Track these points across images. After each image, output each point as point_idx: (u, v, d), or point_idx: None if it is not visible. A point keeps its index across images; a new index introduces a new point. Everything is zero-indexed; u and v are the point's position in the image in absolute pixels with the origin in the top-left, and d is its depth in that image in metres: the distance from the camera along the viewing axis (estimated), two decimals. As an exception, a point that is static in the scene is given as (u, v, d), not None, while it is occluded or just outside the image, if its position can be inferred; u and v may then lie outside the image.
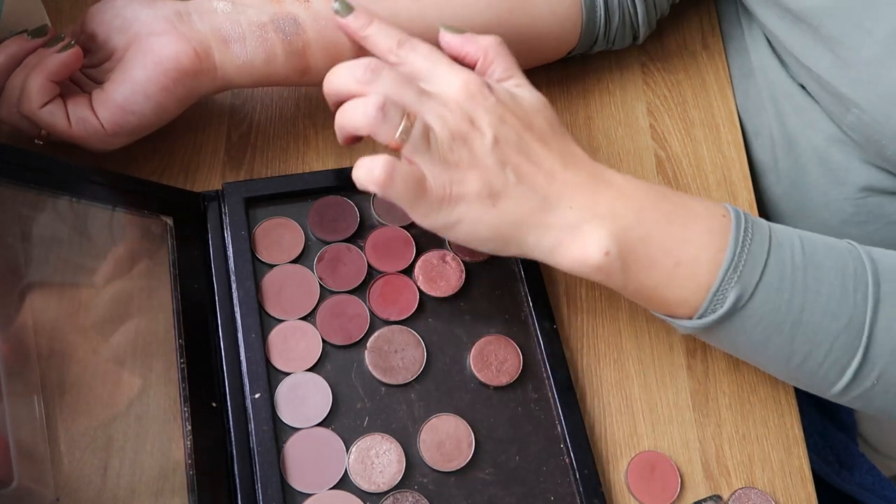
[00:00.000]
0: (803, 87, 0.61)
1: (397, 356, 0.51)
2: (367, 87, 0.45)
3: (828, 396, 0.47)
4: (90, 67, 0.53)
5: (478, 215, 0.45)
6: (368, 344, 0.51)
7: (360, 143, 0.59)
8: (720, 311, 0.45)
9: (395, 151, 0.44)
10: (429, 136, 0.44)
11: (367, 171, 0.43)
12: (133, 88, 0.50)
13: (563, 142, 0.47)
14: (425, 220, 0.45)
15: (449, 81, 0.45)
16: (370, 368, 0.51)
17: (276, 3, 0.52)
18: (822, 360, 0.45)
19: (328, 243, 0.55)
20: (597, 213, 0.45)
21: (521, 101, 0.47)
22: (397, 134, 0.44)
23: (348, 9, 0.49)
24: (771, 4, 0.59)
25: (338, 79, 0.46)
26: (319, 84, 0.56)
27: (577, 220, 0.45)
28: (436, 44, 0.55)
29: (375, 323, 0.53)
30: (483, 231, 0.45)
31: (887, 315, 0.45)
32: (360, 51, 0.54)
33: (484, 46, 0.49)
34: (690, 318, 0.46)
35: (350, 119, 0.45)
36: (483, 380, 0.52)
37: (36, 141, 0.52)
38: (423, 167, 0.44)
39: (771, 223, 0.47)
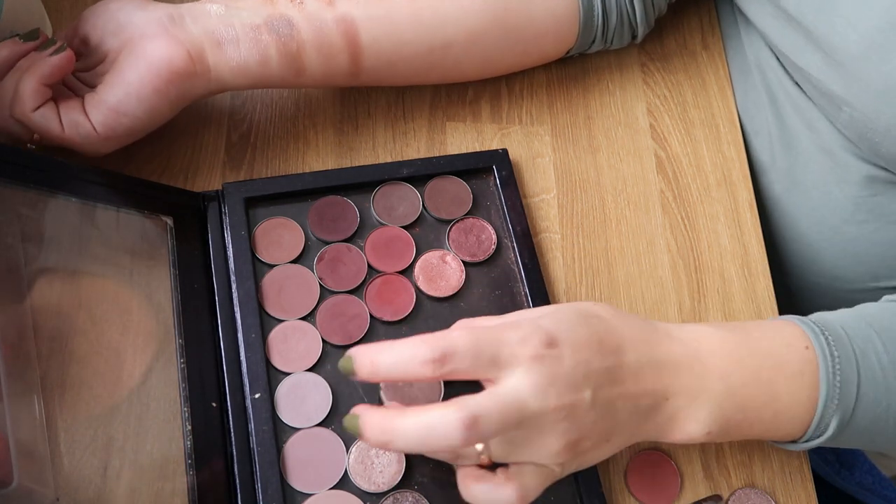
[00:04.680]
0: (799, 85, 0.61)
1: (413, 388, 0.50)
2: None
3: None
4: (83, 71, 0.53)
5: (598, 455, 0.44)
6: (381, 385, 0.50)
7: (358, 138, 0.59)
8: (825, 437, 0.46)
9: None
10: (514, 440, 0.41)
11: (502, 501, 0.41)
12: (126, 91, 0.50)
13: (641, 351, 0.44)
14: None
15: (513, 372, 0.40)
16: (388, 403, 0.50)
17: (269, 6, 0.52)
18: None
19: (328, 243, 0.55)
20: (692, 397, 0.45)
21: (575, 340, 0.42)
22: (482, 456, 0.41)
23: (349, 360, 0.42)
24: (764, 3, 0.59)
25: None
26: (314, 85, 0.56)
27: (674, 412, 0.45)
28: (435, 44, 0.55)
29: (375, 323, 0.53)
30: (605, 456, 0.45)
31: None
32: (355, 53, 0.54)
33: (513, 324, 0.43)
34: (796, 442, 0.48)
35: (427, 445, 0.40)
36: (483, 380, 0.52)
37: (28, 145, 0.52)
38: (528, 460, 0.42)
39: (844, 324, 0.47)
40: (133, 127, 0.51)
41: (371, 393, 0.51)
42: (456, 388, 0.51)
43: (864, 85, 0.52)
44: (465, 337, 0.40)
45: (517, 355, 0.41)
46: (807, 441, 0.47)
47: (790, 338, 0.47)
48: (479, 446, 0.41)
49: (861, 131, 0.54)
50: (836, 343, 0.46)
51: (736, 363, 0.46)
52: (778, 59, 0.63)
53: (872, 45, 0.50)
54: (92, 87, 0.52)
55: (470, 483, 0.42)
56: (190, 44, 0.51)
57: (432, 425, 0.39)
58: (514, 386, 0.40)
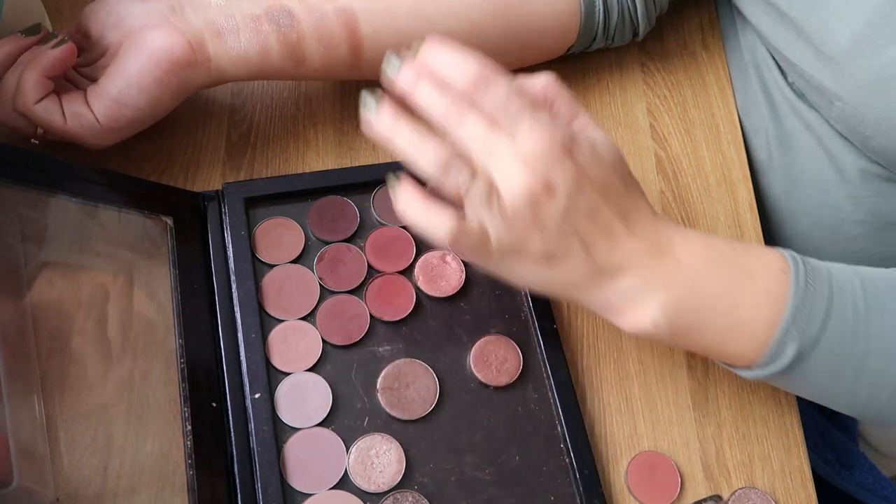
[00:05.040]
0: (794, 84, 0.61)
1: (410, 390, 0.51)
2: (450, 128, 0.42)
3: None
4: (85, 66, 0.54)
5: (530, 270, 0.44)
6: (378, 385, 0.51)
7: (358, 138, 0.58)
8: (781, 366, 0.45)
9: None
10: (491, 193, 0.42)
11: (434, 227, 0.42)
12: (127, 81, 0.50)
13: (632, 201, 0.45)
14: (482, 266, 0.45)
15: (530, 136, 0.41)
16: (387, 408, 0.50)
17: None
18: (887, 400, 0.45)
19: (328, 243, 0.55)
20: (651, 286, 0.44)
21: (602, 159, 0.43)
22: (461, 188, 0.42)
23: (417, 45, 0.44)
24: (756, 1, 0.59)
25: (425, 101, 0.43)
26: (314, 77, 0.56)
27: (628, 290, 0.44)
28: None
29: (375, 323, 0.53)
30: (532, 282, 0.45)
31: None
32: (355, 44, 0.54)
33: (541, 87, 0.45)
34: (750, 367, 0.46)
35: (412, 160, 0.43)
36: (483, 380, 0.52)
37: (32, 140, 0.52)
38: (485, 221, 0.42)
39: (830, 265, 0.46)
40: (135, 118, 0.51)
41: (371, 393, 0.51)
42: (457, 390, 0.51)
43: (854, 79, 0.52)
44: (504, 85, 0.42)
45: (533, 133, 0.41)
46: (761, 367, 0.45)
47: (769, 260, 0.46)
48: (462, 179, 0.41)
49: (852, 125, 0.54)
50: (813, 275, 0.45)
51: (709, 268, 0.45)
52: (774, 57, 0.63)
53: (863, 40, 0.51)
54: (93, 81, 0.52)
55: (418, 199, 0.43)
56: (190, 34, 0.51)
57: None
58: (526, 127, 0.41)
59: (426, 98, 0.42)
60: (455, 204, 0.43)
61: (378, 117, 0.43)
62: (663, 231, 0.45)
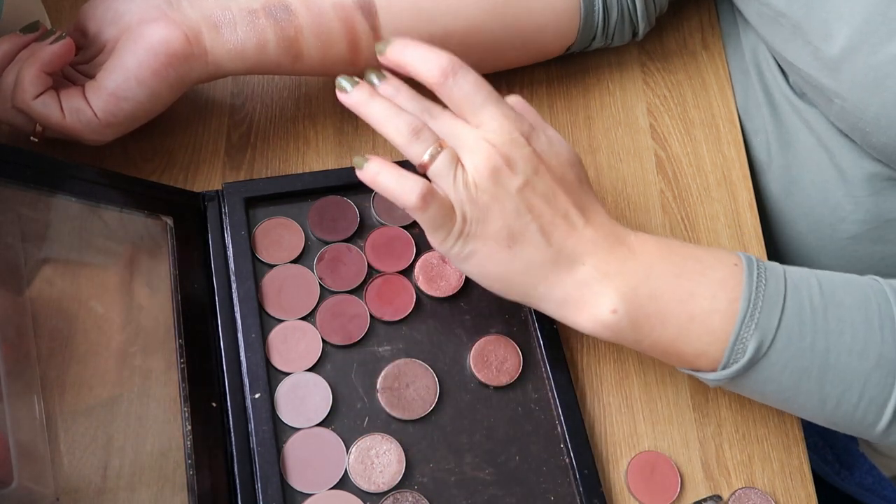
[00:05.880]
0: (795, 83, 0.61)
1: (410, 390, 0.51)
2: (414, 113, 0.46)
3: (873, 438, 0.47)
4: (83, 63, 0.54)
5: (490, 253, 0.45)
6: (378, 385, 0.51)
7: (358, 138, 0.58)
8: (742, 361, 0.44)
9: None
10: (456, 164, 0.44)
11: (407, 191, 0.44)
12: (125, 75, 0.50)
13: (587, 198, 0.47)
14: (440, 247, 0.46)
15: (493, 120, 0.45)
16: (387, 408, 0.50)
17: None
18: (856, 402, 0.45)
19: (328, 243, 0.55)
20: (607, 272, 0.45)
21: (559, 152, 0.47)
22: (426, 156, 0.44)
23: (387, 43, 0.47)
24: (752, 1, 0.59)
25: (403, 104, 0.46)
26: (313, 72, 0.57)
27: (586, 278, 0.45)
28: (434, 35, 0.55)
29: (375, 323, 0.53)
30: (492, 269, 0.46)
31: None
32: (353, 38, 0.54)
33: (511, 104, 0.48)
34: (714, 370, 0.46)
35: (384, 126, 0.45)
36: (483, 380, 0.52)
37: (31, 138, 0.52)
38: (449, 194, 0.45)
39: (787, 267, 0.47)
40: (133, 112, 0.52)
41: (371, 393, 0.51)
42: (457, 390, 0.51)
43: (852, 76, 0.52)
44: (471, 76, 0.45)
45: (499, 118, 0.45)
46: (723, 369, 0.45)
47: (721, 255, 0.47)
48: (430, 149, 0.44)
49: (852, 122, 0.54)
50: (768, 270, 0.45)
51: (661, 257, 0.46)
52: (774, 56, 0.63)
53: (861, 37, 0.51)
54: (92, 78, 0.52)
55: (390, 166, 0.45)
56: (187, 27, 0.51)
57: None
58: (489, 113, 0.45)
59: (403, 103, 0.46)
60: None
61: (355, 89, 0.46)
62: (617, 226, 0.47)
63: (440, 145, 0.44)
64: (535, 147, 0.45)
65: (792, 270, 0.46)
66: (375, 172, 0.45)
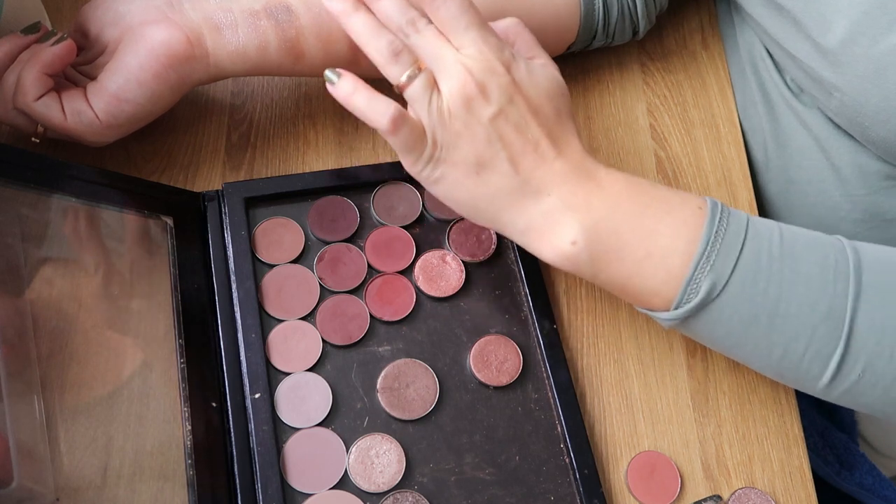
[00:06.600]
0: (793, 82, 0.61)
1: (410, 390, 0.51)
2: (399, 30, 0.46)
3: (816, 393, 0.47)
4: (84, 64, 0.54)
5: (458, 179, 0.46)
6: (378, 385, 0.51)
7: (358, 138, 0.58)
8: (694, 301, 0.45)
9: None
10: (432, 89, 0.45)
11: (378, 114, 0.44)
12: (126, 77, 0.50)
13: (562, 131, 0.47)
14: (411, 169, 0.47)
15: (474, 45, 0.45)
16: (387, 408, 0.50)
17: None
18: (802, 352, 0.45)
19: (328, 243, 0.55)
20: (571, 205, 0.46)
21: (538, 83, 0.47)
22: (403, 77, 0.45)
23: None
24: None
25: (381, 8, 0.46)
26: (314, 73, 0.56)
27: (551, 209, 0.46)
28: None
29: (375, 323, 0.53)
30: (460, 195, 0.47)
31: (869, 305, 0.44)
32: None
33: (503, 27, 0.49)
34: (667, 310, 0.46)
35: (364, 42, 0.46)
36: (483, 380, 0.52)
37: (33, 139, 0.52)
38: (422, 118, 0.45)
39: (752, 217, 0.47)
40: (135, 113, 0.52)
41: (371, 393, 0.51)
42: (456, 390, 0.51)
43: (852, 69, 0.52)
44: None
45: (479, 44, 0.45)
46: (676, 308, 0.46)
47: (688, 197, 0.47)
48: (408, 71, 0.45)
49: (851, 116, 0.54)
50: (731, 216, 0.46)
51: (628, 195, 0.46)
52: (771, 56, 0.63)
53: (860, 29, 0.51)
54: (93, 79, 0.52)
55: (363, 87, 0.45)
56: (188, 28, 0.51)
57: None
58: (471, 38, 0.45)
59: (388, 7, 0.45)
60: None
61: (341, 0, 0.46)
62: (589, 161, 0.47)
63: (418, 67, 0.45)
64: (514, 76, 0.46)
65: (758, 220, 0.47)
66: (348, 93, 0.45)
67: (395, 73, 0.45)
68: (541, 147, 0.46)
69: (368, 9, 0.46)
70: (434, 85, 0.45)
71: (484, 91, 0.45)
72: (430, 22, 0.46)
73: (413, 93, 0.45)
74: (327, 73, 0.46)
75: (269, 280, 0.53)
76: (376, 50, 0.45)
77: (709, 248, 0.45)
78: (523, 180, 0.46)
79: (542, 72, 0.47)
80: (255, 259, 0.53)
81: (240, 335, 0.50)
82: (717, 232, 0.45)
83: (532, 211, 0.46)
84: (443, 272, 0.55)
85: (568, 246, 0.45)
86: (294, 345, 0.51)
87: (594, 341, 0.55)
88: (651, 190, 0.47)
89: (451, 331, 0.53)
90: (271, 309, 0.52)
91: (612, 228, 0.45)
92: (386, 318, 0.53)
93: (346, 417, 0.50)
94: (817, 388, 0.46)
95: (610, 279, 0.47)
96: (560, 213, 0.46)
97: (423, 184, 0.48)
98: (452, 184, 0.46)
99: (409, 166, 0.47)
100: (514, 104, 0.45)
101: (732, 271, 0.45)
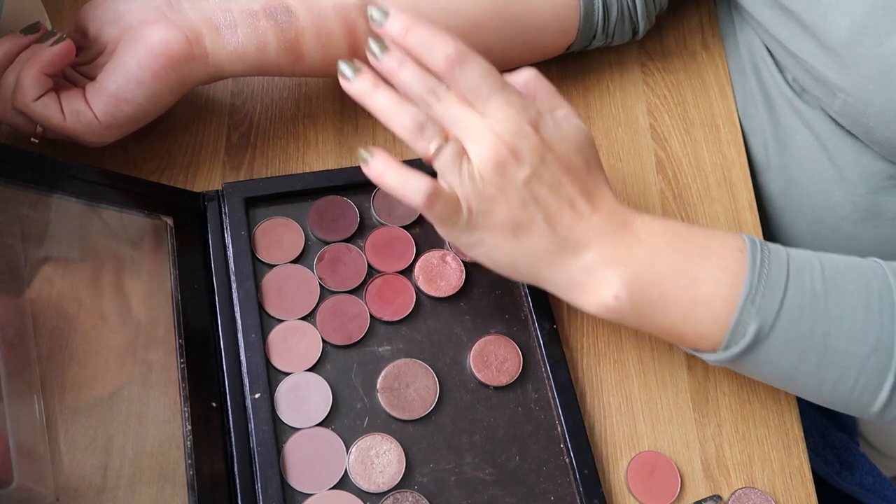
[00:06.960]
0: (795, 81, 0.61)
1: (410, 390, 0.51)
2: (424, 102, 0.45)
3: (870, 418, 0.47)
4: (84, 65, 0.54)
5: (497, 242, 0.46)
6: (378, 385, 0.51)
7: (358, 138, 0.58)
8: (742, 344, 0.45)
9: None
10: (462, 157, 0.44)
11: (413, 191, 0.44)
12: (125, 77, 0.50)
13: (595, 184, 0.47)
14: (448, 236, 0.47)
15: (500, 110, 0.44)
16: (387, 408, 0.50)
17: None
18: (853, 385, 0.45)
19: (328, 243, 0.55)
20: (611, 259, 0.45)
21: (567, 137, 0.46)
22: (431, 149, 0.44)
23: (385, 15, 0.46)
24: None
25: (401, 80, 0.45)
26: (313, 73, 0.57)
27: (591, 265, 0.46)
28: None
29: (375, 323, 0.53)
30: (499, 257, 0.46)
31: None
32: (354, 41, 0.54)
33: (523, 81, 0.48)
34: (714, 351, 0.47)
35: (388, 121, 0.45)
36: (483, 380, 0.52)
37: (32, 139, 0.52)
38: (454, 187, 0.45)
39: (790, 249, 0.47)
40: (134, 113, 0.52)
41: (371, 393, 0.51)
42: (457, 390, 0.51)
43: (856, 70, 0.52)
44: (478, 65, 0.45)
45: (505, 107, 0.44)
46: (725, 349, 0.46)
47: (727, 240, 0.47)
48: (435, 142, 0.44)
49: (855, 117, 0.54)
50: (771, 255, 0.46)
51: (666, 243, 0.46)
52: (772, 56, 0.63)
53: (863, 30, 0.51)
54: (92, 79, 0.52)
55: (395, 163, 0.45)
56: (188, 28, 0.51)
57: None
58: (496, 104, 0.44)
59: (408, 79, 0.45)
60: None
61: (359, 77, 0.45)
62: (624, 212, 0.47)
63: (446, 137, 0.44)
64: (543, 135, 0.45)
65: (795, 254, 0.47)
66: (381, 172, 0.45)
67: (422, 147, 0.44)
68: (577, 204, 0.46)
69: (388, 84, 0.45)
70: (463, 153, 0.44)
71: (515, 154, 0.44)
72: (451, 91, 0.45)
73: (443, 163, 0.44)
74: (360, 151, 0.45)
75: (269, 280, 0.53)
76: (402, 126, 0.44)
77: (752, 291, 0.45)
78: (562, 239, 0.45)
79: (568, 124, 0.47)
80: (255, 259, 0.53)
81: (240, 335, 0.50)
82: (759, 274, 0.45)
83: (572, 268, 0.46)
84: (443, 272, 0.55)
85: (611, 300, 0.45)
86: (294, 345, 0.51)
87: (594, 341, 0.55)
88: (688, 235, 0.47)
89: (451, 331, 0.53)
90: (271, 309, 0.52)
91: (653, 280, 0.45)
92: (386, 318, 0.53)
93: (346, 417, 0.50)
94: (870, 414, 0.47)
95: (656, 327, 0.47)
96: (601, 269, 0.45)
97: (461, 249, 0.47)
98: (491, 247, 0.46)
99: (446, 234, 0.46)
100: (546, 164, 0.45)
101: (778, 312, 0.45)
